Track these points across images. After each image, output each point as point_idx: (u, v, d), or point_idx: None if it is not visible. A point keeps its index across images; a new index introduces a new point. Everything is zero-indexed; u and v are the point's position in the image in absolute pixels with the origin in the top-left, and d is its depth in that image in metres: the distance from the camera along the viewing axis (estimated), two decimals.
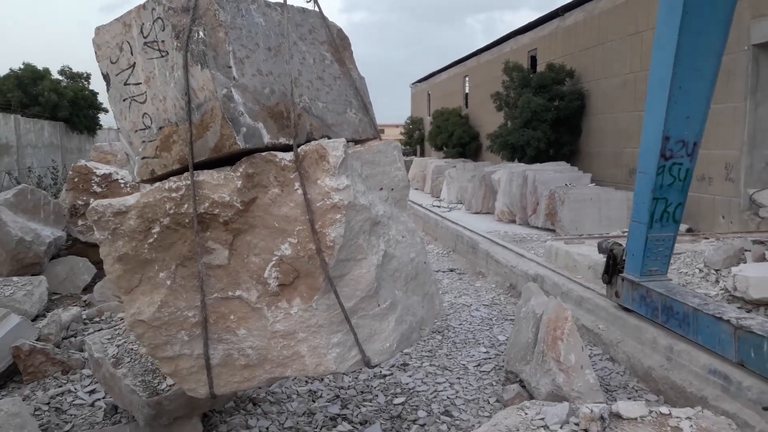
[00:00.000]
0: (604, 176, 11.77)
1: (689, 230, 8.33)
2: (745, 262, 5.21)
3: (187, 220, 2.49)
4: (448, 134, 20.90)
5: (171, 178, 2.54)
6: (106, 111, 26.38)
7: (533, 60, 16.18)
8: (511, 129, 13.49)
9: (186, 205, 2.48)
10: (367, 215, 2.57)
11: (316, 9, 3.02)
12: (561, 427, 2.24)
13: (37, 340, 4.29)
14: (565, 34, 14.05)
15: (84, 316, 5.11)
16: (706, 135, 4.30)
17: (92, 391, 3.79)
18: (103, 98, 25.82)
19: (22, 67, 24.20)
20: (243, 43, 2.56)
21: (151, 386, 3.05)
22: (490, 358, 4.66)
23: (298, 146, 2.55)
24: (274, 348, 2.55)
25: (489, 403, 3.90)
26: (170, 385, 3.02)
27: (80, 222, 6.56)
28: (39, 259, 5.91)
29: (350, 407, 3.78)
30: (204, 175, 2.51)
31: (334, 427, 3.51)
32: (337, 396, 3.93)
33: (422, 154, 27.63)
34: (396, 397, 3.97)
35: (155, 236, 2.50)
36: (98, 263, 5.33)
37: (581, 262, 6.04)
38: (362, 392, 4.03)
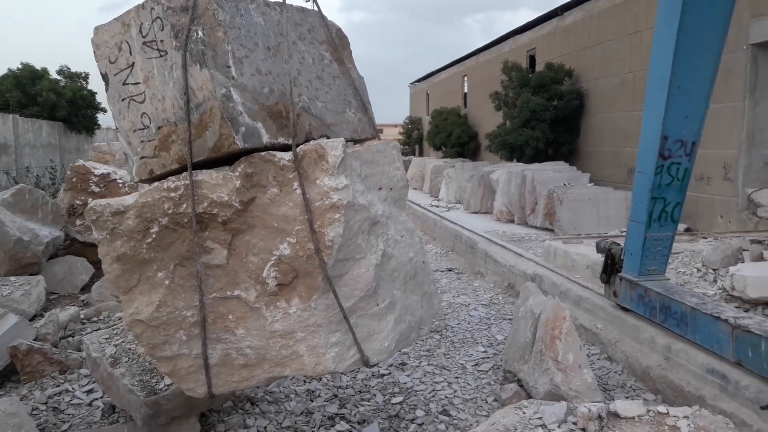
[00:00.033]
0: (602, 176, 11.77)
1: (687, 230, 8.33)
2: (743, 262, 5.22)
3: (185, 220, 2.49)
4: (446, 134, 20.89)
5: (170, 177, 2.54)
6: (105, 111, 26.31)
7: (532, 59, 16.17)
8: (510, 129, 13.49)
9: (184, 205, 2.48)
10: (365, 215, 2.57)
11: (315, 8, 3.02)
12: (559, 426, 2.24)
13: (34, 339, 4.28)
14: (564, 33, 14.04)
15: (82, 316, 5.10)
16: (704, 134, 4.30)
17: (90, 391, 3.78)
18: (101, 98, 25.75)
19: (20, 66, 24.14)
20: (242, 42, 2.56)
21: (149, 386, 3.05)
22: (488, 358, 4.67)
23: (297, 146, 2.55)
24: (273, 347, 2.55)
25: (487, 402, 3.91)
26: (168, 385, 3.01)
27: (78, 222, 6.55)
28: (37, 258, 5.90)
29: (348, 406, 3.78)
30: (203, 175, 2.51)
31: (332, 426, 3.51)
32: (335, 395, 3.93)
33: (421, 154, 27.63)
34: (394, 396, 3.97)
35: (154, 236, 2.50)
36: (96, 263, 5.34)
37: (579, 262, 6.05)
38: (360, 391, 4.03)
